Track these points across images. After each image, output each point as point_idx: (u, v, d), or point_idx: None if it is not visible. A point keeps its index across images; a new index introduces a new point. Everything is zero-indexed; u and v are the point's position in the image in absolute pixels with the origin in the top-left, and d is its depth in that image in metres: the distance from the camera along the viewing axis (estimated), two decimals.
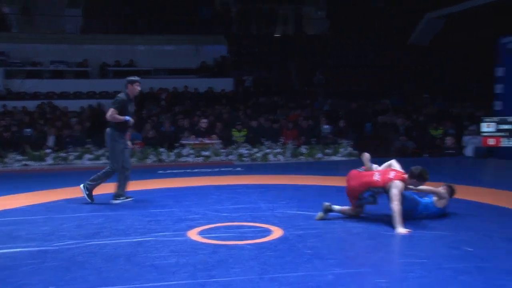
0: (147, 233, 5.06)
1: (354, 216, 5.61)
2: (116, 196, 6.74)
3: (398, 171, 5.49)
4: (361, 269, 3.93)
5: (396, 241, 4.74)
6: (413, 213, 5.56)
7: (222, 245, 4.62)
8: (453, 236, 4.92)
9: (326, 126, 13.36)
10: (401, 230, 4.99)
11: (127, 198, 6.80)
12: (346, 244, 4.66)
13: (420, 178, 5.31)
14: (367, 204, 5.57)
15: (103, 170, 6.76)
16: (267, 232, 5.07)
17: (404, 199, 5.40)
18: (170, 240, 4.79)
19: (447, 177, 6.12)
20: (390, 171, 5.48)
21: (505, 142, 10.66)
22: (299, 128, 13.28)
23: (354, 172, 5.72)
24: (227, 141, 12.23)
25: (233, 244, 4.65)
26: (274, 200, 6.72)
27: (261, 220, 5.59)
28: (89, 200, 6.68)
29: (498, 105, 12.30)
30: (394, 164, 5.71)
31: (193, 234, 5.02)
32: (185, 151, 11.54)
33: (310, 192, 7.37)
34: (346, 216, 5.65)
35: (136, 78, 6.84)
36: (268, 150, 11.80)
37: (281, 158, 11.72)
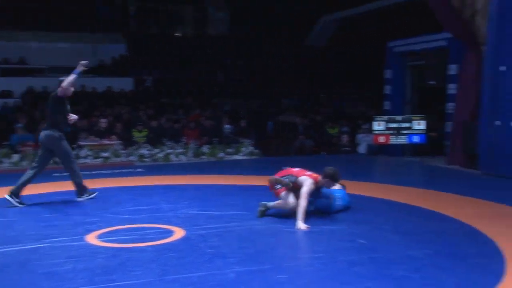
0: (42, 239, 4.80)
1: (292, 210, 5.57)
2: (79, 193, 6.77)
3: (313, 174, 5.71)
4: (262, 266, 4.01)
5: (296, 237, 4.90)
6: (330, 208, 5.83)
7: (122, 248, 4.50)
8: (349, 230, 5.18)
9: (227, 126, 13.46)
10: (301, 225, 5.17)
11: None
12: (247, 242, 4.72)
13: (333, 178, 5.56)
14: (284, 185, 5.65)
15: (69, 174, 6.74)
16: (169, 233, 5.02)
17: (320, 195, 5.73)
18: (67, 246, 4.59)
19: (343, 174, 6.42)
20: (307, 171, 5.74)
21: (393, 140, 11.38)
22: (201, 128, 13.25)
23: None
24: (128, 142, 11.90)
25: (133, 247, 4.54)
26: (176, 201, 6.65)
27: (163, 221, 5.52)
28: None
29: (387, 105, 13.11)
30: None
31: (92, 238, 4.84)
32: (83, 152, 11.08)
33: (212, 191, 7.38)
34: (284, 210, 5.65)
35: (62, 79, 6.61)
36: (169, 150, 11.65)
37: (183, 158, 11.63)
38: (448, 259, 4.15)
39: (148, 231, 5.10)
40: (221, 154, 11.87)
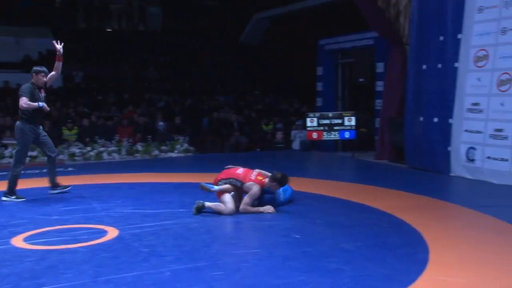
0: None
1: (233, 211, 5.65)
2: (53, 187, 6.93)
3: (259, 173, 5.78)
4: (198, 264, 4.00)
5: (232, 234, 4.93)
6: (274, 202, 5.95)
7: (52, 250, 4.35)
8: (283, 225, 5.28)
9: (161, 123, 13.29)
10: (267, 209, 5.59)
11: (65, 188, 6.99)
12: (183, 239, 4.70)
13: (280, 183, 5.68)
14: (222, 186, 5.75)
15: (48, 162, 6.92)
16: (102, 233, 4.90)
17: (266, 191, 5.88)
18: None
19: (278, 169, 6.54)
20: (253, 172, 5.78)
21: (326, 136, 11.68)
22: (134, 125, 13.01)
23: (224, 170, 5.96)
24: (57, 140, 11.48)
25: (64, 248, 4.40)
26: (109, 200, 6.50)
27: (95, 221, 5.39)
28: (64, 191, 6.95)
29: (319, 102, 13.43)
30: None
31: (18, 241, 4.64)
32: (7, 151, 10.57)
33: (147, 189, 7.28)
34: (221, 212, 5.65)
35: (41, 68, 6.73)
36: (102, 149, 11.35)
37: (116, 156, 11.36)
38: (378, 250, 4.32)
39: (80, 231, 4.96)
40: (156, 152, 11.71)
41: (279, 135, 13.21)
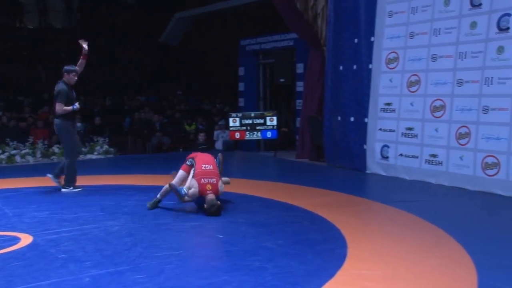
0: None
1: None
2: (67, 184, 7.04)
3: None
4: (119, 268, 3.92)
5: (154, 236, 4.85)
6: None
7: None
8: (206, 225, 5.28)
9: (79, 124, 12.81)
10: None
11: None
12: (103, 243, 4.57)
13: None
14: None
15: (60, 165, 7.12)
16: (14, 240, 4.66)
17: None
18: None
19: None
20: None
21: (248, 136, 11.80)
22: (50, 127, 12.46)
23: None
24: None
25: None
26: (22, 205, 6.18)
27: (6, 227, 5.11)
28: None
29: (241, 102, 13.55)
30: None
31: None
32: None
33: (63, 193, 7.00)
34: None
35: (73, 67, 7.06)
36: (14, 151, 10.79)
37: (30, 159, 10.84)
38: (299, 247, 4.44)
39: None
40: None
41: (201, 136, 13.17)
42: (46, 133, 11.97)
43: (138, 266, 3.96)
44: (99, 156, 11.51)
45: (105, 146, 11.83)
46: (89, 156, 11.41)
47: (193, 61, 20.45)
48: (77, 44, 7.35)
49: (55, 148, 11.25)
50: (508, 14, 6.75)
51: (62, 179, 7.13)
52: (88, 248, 4.41)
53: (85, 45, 7.12)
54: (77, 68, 7.13)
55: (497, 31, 6.88)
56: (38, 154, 10.99)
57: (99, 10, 20.70)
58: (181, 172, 6.06)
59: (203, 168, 5.79)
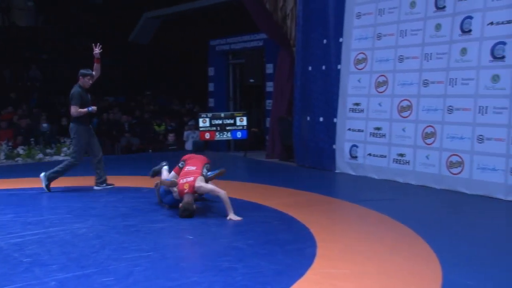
0: None
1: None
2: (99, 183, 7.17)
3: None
4: (86, 271, 3.85)
5: (122, 238, 4.79)
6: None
7: None
8: (176, 226, 5.25)
9: (44, 125, 12.58)
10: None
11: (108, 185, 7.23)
12: (70, 246, 4.49)
13: None
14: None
15: (65, 163, 7.18)
16: None
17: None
18: None
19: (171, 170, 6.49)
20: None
21: (218, 136, 11.78)
22: (15, 128, 12.18)
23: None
24: None
25: None
26: None
27: None
28: (47, 191, 6.97)
29: (211, 102, 13.51)
30: None
31: None
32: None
33: (30, 195, 6.85)
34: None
35: (88, 71, 7.16)
36: None
37: None
38: (269, 247, 4.45)
39: None
40: (40, 155, 11.05)
41: (171, 136, 13.09)
42: (10, 134, 11.70)
43: (106, 269, 3.90)
44: (65, 158, 11.29)
45: (72, 147, 11.60)
46: (55, 158, 11.18)
47: (163, 61, 20.29)
48: (42, 43, 7.29)
49: (20, 150, 11.00)
50: (470, 17, 6.93)
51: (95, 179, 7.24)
52: (54, 252, 4.32)
53: (97, 50, 7.23)
54: (92, 72, 7.22)
55: (460, 33, 7.05)
56: (2, 156, 10.72)
57: (67, 9, 20.33)
58: (173, 174, 6.14)
59: (186, 169, 5.79)
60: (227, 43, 13.09)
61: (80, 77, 7.17)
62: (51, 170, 7.07)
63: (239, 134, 11.80)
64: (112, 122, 14.27)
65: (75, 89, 7.12)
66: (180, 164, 6.05)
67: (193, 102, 17.06)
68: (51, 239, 4.70)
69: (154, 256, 4.24)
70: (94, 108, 7.16)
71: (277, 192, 7.15)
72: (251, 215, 5.70)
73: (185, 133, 13.30)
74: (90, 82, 7.22)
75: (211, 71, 13.56)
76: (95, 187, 7.23)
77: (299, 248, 4.43)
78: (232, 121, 11.74)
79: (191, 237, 4.82)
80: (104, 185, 7.26)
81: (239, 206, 6.18)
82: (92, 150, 7.28)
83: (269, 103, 11.54)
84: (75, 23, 20.20)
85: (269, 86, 11.55)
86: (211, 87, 13.61)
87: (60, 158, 11.16)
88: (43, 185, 7.01)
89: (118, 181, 7.58)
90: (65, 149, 11.45)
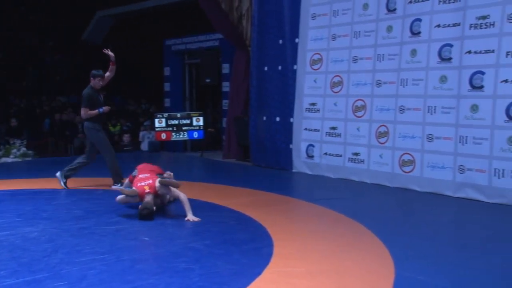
0: None
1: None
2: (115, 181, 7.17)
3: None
4: (37, 276, 3.74)
5: (76, 241, 4.67)
6: None
7: None
8: (131, 227, 5.17)
9: None
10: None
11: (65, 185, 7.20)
12: (20, 251, 4.34)
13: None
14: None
15: (78, 161, 7.30)
16: None
17: None
18: None
19: (125, 172, 6.40)
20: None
21: (174, 136, 11.68)
22: None
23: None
24: None
25: None
26: None
27: None
28: (65, 188, 7.12)
29: (167, 102, 13.39)
30: None
31: None
32: None
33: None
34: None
35: (98, 72, 7.21)
36: None
37: None
38: (225, 247, 4.45)
39: None
40: None
41: (126, 137, 12.88)
42: None
43: (58, 273, 3.81)
44: (15, 159, 10.94)
45: (23, 149, 11.25)
46: (4, 160, 10.82)
47: (117, 60, 19.93)
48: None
49: None
50: (419, 20, 7.13)
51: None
52: (3, 257, 4.18)
53: (111, 53, 7.32)
54: (105, 73, 7.30)
55: (410, 35, 7.25)
56: None
57: (18, 6, 19.70)
58: (127, 182, 6.20)
59: (140, 176, 5.84)
60: (183, 42, 13.00)
61: (91, 78, 7.21)
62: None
63: (195, 134, 11.73)
64: (65, 122, 13.92)
65: (86, 91, 7.17)
66: (133, 173, 6.04)
67: (148, 102, 16.85)
68: (0, 244, 4.54)
69: (109, 258, 4.16)
70: (105, 108, 7.19)
71: (234, 192, 7.16)
72: (208, 215, 5.68)
73: (141, 133, 13.12)
74: (101, 83, 7.25)
75: (166, 71, 13.43)
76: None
77: (256, 248, 4.45)
78: (188, 121, 11.66)
79: (147, 239, 4.76)
80: (63, 183, 7.22)
81: (196, 206, 6.14)
82: (89, 152, 7.32)
83: (225, 103, 11.53)
84: (28, 21, 19.61)
85: (225, 86, 11.55)
86: (167, 87, 13.48)
87: (9, 160, 10.81)
88: (61, 183, 7.16)
89: (72, 183, 7.41)
90: (14, 150, 11.09)
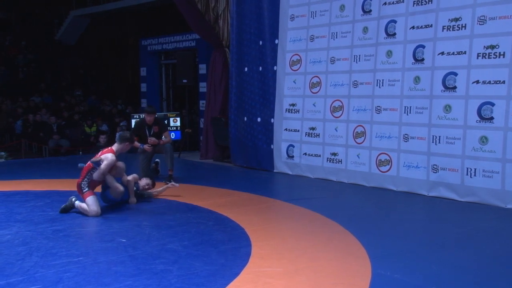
0: None
1: None
2: None
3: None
4: (10, 279, 3.67)
5: (52, 243, 4.60)
6: (123, 197, 6.08)
7: None
8: (108, 229, 5.11)
9: None
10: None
11: None
12: None
13: (130, 140, 6.05)
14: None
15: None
16: None
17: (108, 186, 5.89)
18: None
19: None
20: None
21: None
22: None
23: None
24: None
25: None
26: None
27: None
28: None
29: (143, 102, 13.29)
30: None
31: None
32: None
33: None
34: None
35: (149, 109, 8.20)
36: None
37: None
38: (203, 248, 4.43)
39: None
40: None
41: (102, 138, 12.73)
42: None
43: (33, 277, 3.74)
44: None
45: None
46: None
47: (92, 60, 19.73)
48: None
49: None
50: (394, 21, 7.22)
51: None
52: None
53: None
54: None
55: (385, 36, 7.33)
56: None
57: None
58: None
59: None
60: (159, 43, 12.92)
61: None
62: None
63: (172, 135, 11.65)
64: (39, 123, 13.70)
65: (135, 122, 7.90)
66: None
67: (125, 102, 16.69)
68: None
69: (85, 261, 4.11)
70: (146, 146, 8.02)
71: (211, 192, 7.13)
72: (186, 216, 5.66)
73: (117, 134, 12.98)
74: (148, 118, 8.20)
75: (143, 71, 13.33)
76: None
77: (234, 248, 4.45)
78: (165, 122, 11.57)
79: (123, 240, 4.71)
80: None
81: (173, 207, 6.14)
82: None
83: (202, 103, 11.48)
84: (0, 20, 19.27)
85: (202, 87, 11.50)
86: (143, 87, 13.37)
87: None
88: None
89: (46, 185, 7.29)
90: None
